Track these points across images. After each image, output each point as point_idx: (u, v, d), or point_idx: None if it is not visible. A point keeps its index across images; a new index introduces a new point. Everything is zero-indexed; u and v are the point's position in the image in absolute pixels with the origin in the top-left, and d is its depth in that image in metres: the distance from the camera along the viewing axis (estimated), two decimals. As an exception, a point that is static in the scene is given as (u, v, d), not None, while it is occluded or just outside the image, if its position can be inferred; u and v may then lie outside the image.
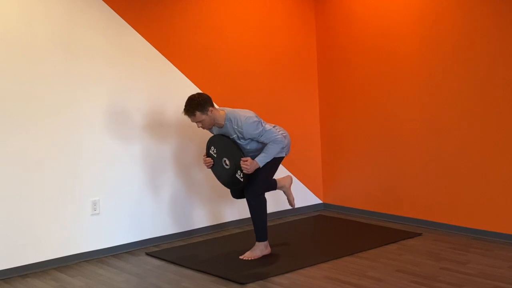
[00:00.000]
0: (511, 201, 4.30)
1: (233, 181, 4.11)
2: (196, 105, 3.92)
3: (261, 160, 3.98)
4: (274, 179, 4.36)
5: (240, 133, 3.98)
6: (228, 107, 4.27)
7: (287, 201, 4.58)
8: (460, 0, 4.52)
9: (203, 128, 4.04)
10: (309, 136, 5.71)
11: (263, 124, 4.02)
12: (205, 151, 4.27)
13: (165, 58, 4.70)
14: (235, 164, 4.03)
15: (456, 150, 4.62)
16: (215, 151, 4.15)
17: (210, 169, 4.27)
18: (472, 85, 4.48)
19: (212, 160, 4.17)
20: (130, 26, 4.49)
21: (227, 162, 4.09)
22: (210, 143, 4.19)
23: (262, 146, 4.08)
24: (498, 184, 4.36)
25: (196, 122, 3.99)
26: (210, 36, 4.98)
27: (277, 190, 4.52)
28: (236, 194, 4.28)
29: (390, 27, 5.03)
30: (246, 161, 3.94)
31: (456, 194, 4.64)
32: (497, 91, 4.33)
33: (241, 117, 3.97)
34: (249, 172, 3.96)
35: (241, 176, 4.02)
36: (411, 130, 4.94)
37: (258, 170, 4.03)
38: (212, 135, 4.20)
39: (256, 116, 4.02)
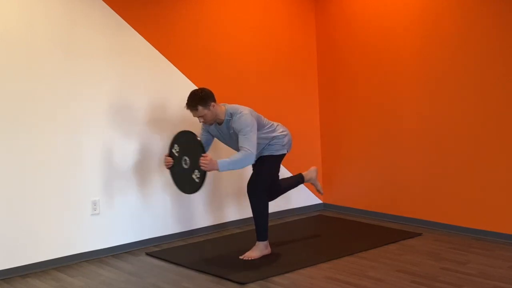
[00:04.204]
0: (511, 201, 4.30)
1: (188, 182, 3.91)
2: (198, 100, 3.91)
3: (223, 164, 3.77)
4: (301, 174, 4.47)
5: (233, 128, 3.96)
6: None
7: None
8: (460, 0, 4.52)
9: (205, 123, 4.03)
10: (309, 136, 5.71)
11: (252, 129, 3.89)
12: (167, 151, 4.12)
13: (165, 58, 4.70)
14: (194, 162, 3.83)
15: (456, 149, 4.62)
16: (177, 150, 4.00)
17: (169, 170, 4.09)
18: (472, 86, 4.48)
19: (172, 160, 4.04)
20: (130, 26, 4.49)
21: (187, 160, 3.93)
22: (174, 140, 4.06)
23: (262, 146, 4.08)
24: (498, 184, 4.36)
25: (198, 117, 3.98)
26: (210, 36, 4.98)
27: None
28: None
29: (390, 27, 5.03)
30: (206, 157, 3.76)
31: (456, 194, 4.64)
32: (497, 91, 4.33)
33: (238, 112, 3.95)
34: (206, 170, 3.75)
35: (198, 176, 3.83)
36: (411, 129, 4.94)
37: (259, 167, 4.02)
38: (178, 132, 4.07)
39: (251, 115, 3.95)
